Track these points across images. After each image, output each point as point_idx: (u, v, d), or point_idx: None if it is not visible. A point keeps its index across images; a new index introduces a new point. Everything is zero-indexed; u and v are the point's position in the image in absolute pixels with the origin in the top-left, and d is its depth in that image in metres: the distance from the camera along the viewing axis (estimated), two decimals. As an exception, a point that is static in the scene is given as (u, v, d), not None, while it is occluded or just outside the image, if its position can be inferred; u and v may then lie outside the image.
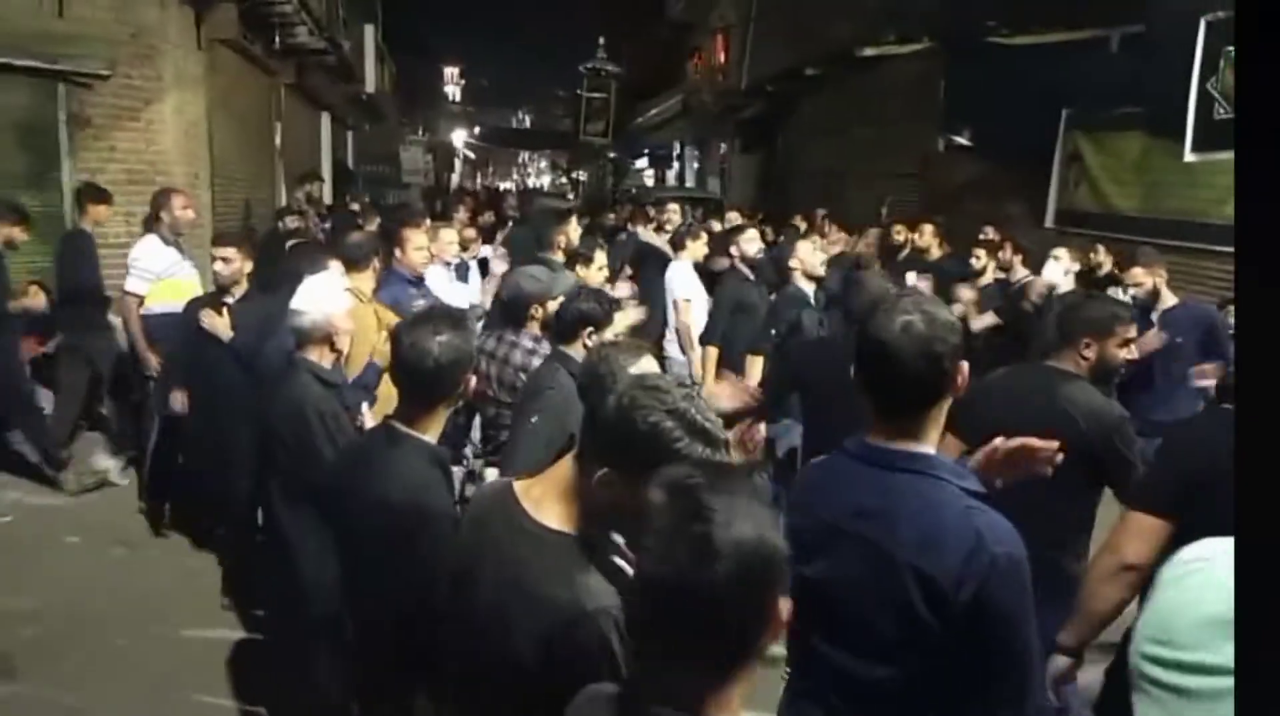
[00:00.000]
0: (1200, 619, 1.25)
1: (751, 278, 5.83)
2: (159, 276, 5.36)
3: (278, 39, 9.88)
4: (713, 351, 5.64)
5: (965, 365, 1.73)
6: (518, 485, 1.67)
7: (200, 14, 7.96)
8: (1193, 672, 1.24)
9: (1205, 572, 1.29)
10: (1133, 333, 3.01)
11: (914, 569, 1.61)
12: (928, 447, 1.73)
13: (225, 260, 4.53)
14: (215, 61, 8.50)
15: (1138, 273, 5.06)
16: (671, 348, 6.27)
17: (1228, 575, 1.23)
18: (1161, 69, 7.29)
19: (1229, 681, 1.18)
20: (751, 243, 6.01)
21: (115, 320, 5.90)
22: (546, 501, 1.60)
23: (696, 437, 1.48)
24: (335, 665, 2.63)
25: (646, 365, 2.33)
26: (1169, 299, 5.06)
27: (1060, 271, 5.84)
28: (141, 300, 5.37)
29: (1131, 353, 3.00)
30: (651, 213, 9.35)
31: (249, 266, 4.62)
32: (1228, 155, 6.88)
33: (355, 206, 9.22)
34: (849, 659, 1.72)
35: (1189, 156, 7.06)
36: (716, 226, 8.65)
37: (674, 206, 8.26)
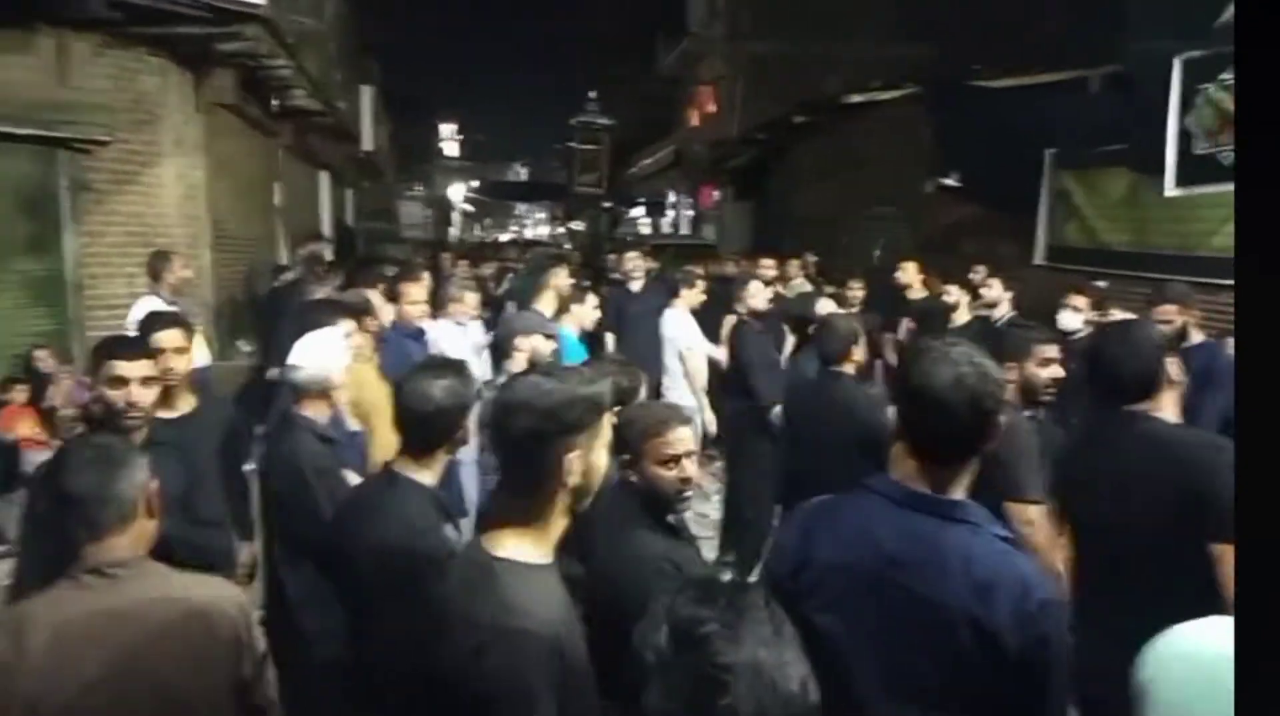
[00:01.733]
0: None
1: (761, 329, 5.86)
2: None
3: (276, 102, 10.06)
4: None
5: (1005, 418, 1.74)
6: (489, 532, 1.74)
7: (199, 79, 8.12)
8: None
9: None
10: (1051, 353, 3.15)
11: (968, 619, 1.60)
12: (960, 495, 1.73)
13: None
14: (214, 125, 8.65)
15: (1169, 309, 4.91)
16: (671, 395, 6.28)
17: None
18: (1141, 107, 7.43)
19: None
20: (756, 297, 5.98)
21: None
22: (504, 534, 1.67)
23: (556, 377, 1.66)
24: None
25: (675, 436, 2.34)
26: (1196, 337, 4.98)
27: (1079, 320, 5.73)
28: None
29: (1056, 372, 3.13)
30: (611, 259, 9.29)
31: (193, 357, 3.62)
32: (1209, 189, 6.99)
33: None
34: (890, 705, 1.68)
35: (1171, 191, 7.16)
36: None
37: (632, 254, 8.14)
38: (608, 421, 1.73)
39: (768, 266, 8.19)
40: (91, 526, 1.82)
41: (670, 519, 2.34)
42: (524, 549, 1.64)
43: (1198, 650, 1.29)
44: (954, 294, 6.55)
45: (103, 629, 1.77)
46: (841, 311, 5.27)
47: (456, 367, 2.36)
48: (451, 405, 2.26)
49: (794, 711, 1.05)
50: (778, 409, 4.97)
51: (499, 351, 4.02)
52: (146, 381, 2.84)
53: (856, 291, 7.56)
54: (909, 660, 1.65)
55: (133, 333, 5.26)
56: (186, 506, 2.86)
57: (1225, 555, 2.27)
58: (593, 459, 1.68)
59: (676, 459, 2.25)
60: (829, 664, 1.67)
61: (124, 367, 2.81)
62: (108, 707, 1.76)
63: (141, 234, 7.44)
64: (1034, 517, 2.75)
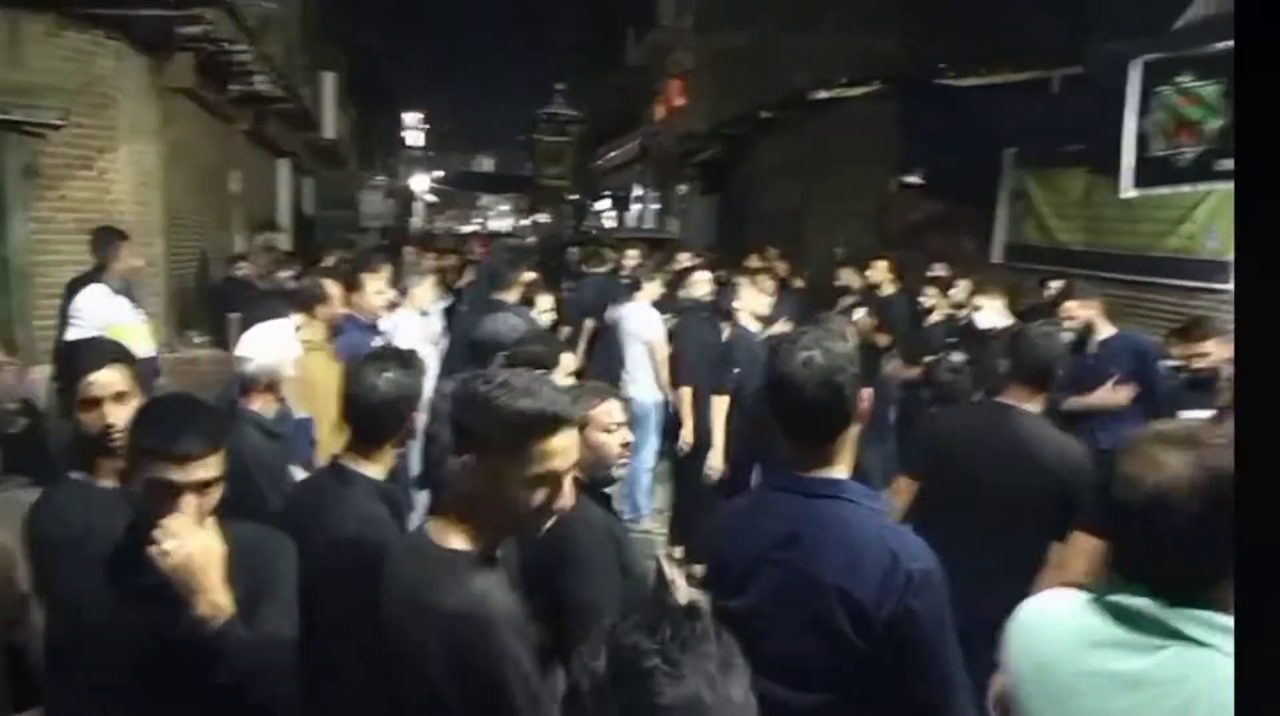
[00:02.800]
0: (1074, 644, 1.37)
1: (707, 315, 5.93)
2: (104, 326, 5.10)
3: (235, 87, 9.89)
4: (687, 392, 5.68)
5: (868, 392, 1.83)
6: (432, 520, 1.75)
7: (156, 63, 7.95)
8: (1078, 690, 1.35)
9: (1058, 610, 1.45)
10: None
11: (837, 589, 1.67)
12: (840, 473, 1.81)
13: None
14: (171, 110, 8.48)
15: (1072, 306, 5.12)
16: (633, 388, 6.26)
17: (1088, 604, 1.36)
18: (1100, 108, 7.53)
19: (1119, 690, 1.28)
20: (699, 285, 6.10)
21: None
22: (449, 526, 1.67)
23: (513, 392, 1.59)
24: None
25: (611, 407, 2.37)
26: (1106, 330, 5.15)
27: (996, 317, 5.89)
28: None
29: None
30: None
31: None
32: (1165, 190, 7.11)
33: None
34: (779, 688, 1.73)
35: (1128, 192, 7.28)
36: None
37: (633, 252, 8.25)
38: (557, 446, 1.62)
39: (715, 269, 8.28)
40: None
41: (605, 491, 2.45)
42: (468, 541, 1.65)
43: (1046, 617, 1.43)
44: (932, 297, 6.66)
45: None
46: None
47: (404, 359, 2.34)
48: (397, 397, 2.24)
49: None
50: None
51: (476, 354, 3.93)
52: (120, 397, 2.26)
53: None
54: (795, 638, 1.72)
55: (78, 319, 5.14)
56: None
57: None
58: (511, 477, 1.60)
59: (618, 426, 2.36)
60: (744, 648, 1.74)
61: (94, 383, 2.25)
62: None
63: (93, 220, 7.24)
64: (901, 487, 3.05)
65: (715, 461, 5.16)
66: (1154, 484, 1.25)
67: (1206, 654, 1.21)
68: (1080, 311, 5.08)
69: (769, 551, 1.78)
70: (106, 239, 5.44)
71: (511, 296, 5.71)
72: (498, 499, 1.60)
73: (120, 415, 2.20)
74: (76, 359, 2.38)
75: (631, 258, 8.49)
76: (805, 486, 1.80)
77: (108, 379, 2.27)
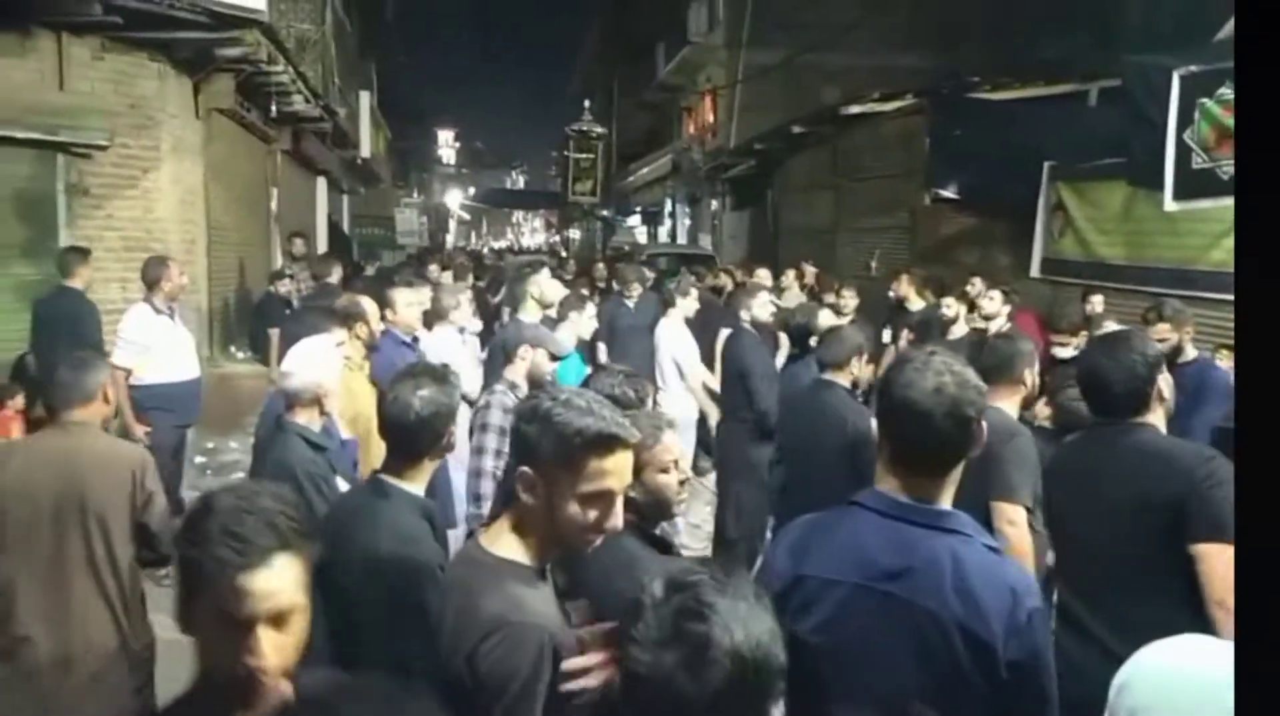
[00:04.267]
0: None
1: (760, 340, 5.86)
2: (148, 347, 5.36)
3: (274, 107, 10.07)
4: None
5: (986, 426, 1.75)
6: (485, 529, 1.78)
7: (198, 84, 8.13)
8: None
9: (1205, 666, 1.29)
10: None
11: (960, 627, 1.61)
12: (947, 504, 1.74)
13: None
14: (212, 130, 8.65)
15: (1163, 328, 4.93)
16: (665, 408, 6.23)
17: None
18: (1139, 121, 7.45)
19: None
20: (764, 307, 5.97)
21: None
22: (501, 536, 1.70)
23: (575, 411, 1.61)
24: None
25: (669, 444, 2.30)
26: (1190, 353, 5.01)
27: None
28: (129, 373, 5.33)
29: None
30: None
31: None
32: (1207, 204, 7.00)
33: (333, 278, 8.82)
34: None
35: (1169, 205, 7.17)
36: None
37: (635, 284, 8.08)
38: (611, 466, 1.64)
39: (763, 277, 8.21)
40: (65, 400, 2.96)
41: (657, 532, 2.36)
42: (518, 550, 1.68)
43: (1179, 670, 1.27)
44: (952, 307, 6.55)
45: (56, 456, 2.89)
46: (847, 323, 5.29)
47: (439, 375, 2.34)
48: (432, 414, 2.24)
49: (763, 656, 1.10)
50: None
51: (500, 356, 3.98)
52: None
53: (849, 300, 7.55)
54: (902, 672, 1.65)
55: (125, 341, 5.26)
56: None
57: (1206, 555, 2.30)
58: (564, 492, 1.62)
59: (676, 463, 2.28)
60: (822, 681, 1.70)
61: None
62: (53, 510, 2.82)
63: (138, 239, 7.42)
64: (1015, 519, 2.84)
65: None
66: None
67: None
68: (1170, 333, 4.92)
69: (873, 581, 1.69)
70: (154, 263, 5.69)
71: (531, 314, 5.56)
72: (550, 513, 1.62)
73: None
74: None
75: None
76: (916, 515, 1.71)
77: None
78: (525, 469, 1.65)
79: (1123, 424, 2.56)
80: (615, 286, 8.63)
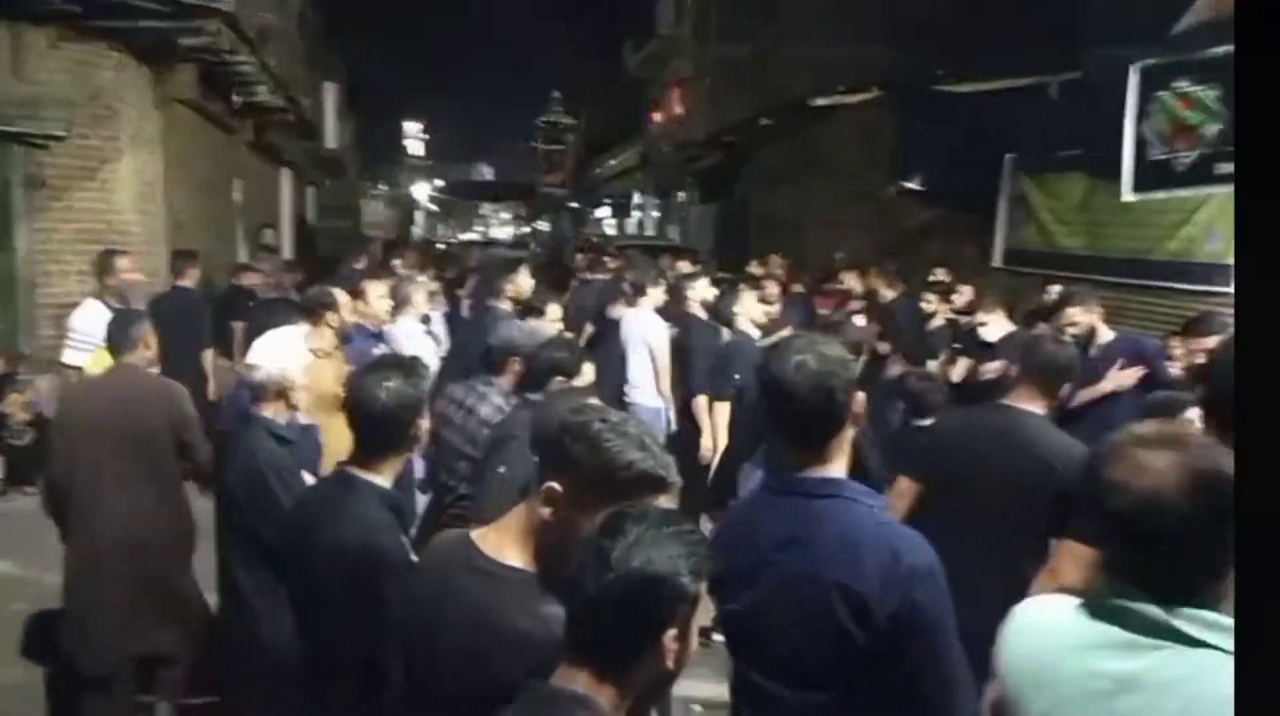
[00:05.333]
0: (1070, 648, 1.36)
1: (710, 321, 5.94)
2: (98, 344, 4.83)
3: (237, 98, 9.94)
4: (703, 400, 5.63)
5: (861, 397, 1.84)
6: (475, 533, 1.72)
7: (158, 74, 8.00)
8: (1077, 698, 1.34)
9: (1053, 615, 1.44)
10: None
11: (838, 585, 1.68)
12: (837, 472, 1.83)
13: None
14: (173, 121, 8.52)
15: (1074, 312, 5.10)
16: (635, 394, 6.27)
17: (1083, 607, 1.35)
18: (1099, 114, 7.57)
19: (1116, 692, 1.27)
20: (709, 290, 6.13)
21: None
22: (505, 543, 1.66)
23: (628, 441, 1.59)
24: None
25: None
26: (1106, 334, 5.16)
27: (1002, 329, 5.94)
28: (80, 371, 5.00)
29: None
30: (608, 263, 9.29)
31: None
32: (1164, 194, 7.14)
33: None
34: (783, 689, 1.77)
35: (1127, 196, 7.31)
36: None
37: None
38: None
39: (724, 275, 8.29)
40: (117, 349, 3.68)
41: None
42: (527, 560, 1.64)
43: (1041, 622, 1.43)
44: (931, 302, 6.69)
45: (115, 390, 3.63)
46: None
47: (407, 368, 2.31)
48: (399, 406, 2.22)
49: (654, 576, 1.24)
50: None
51: (487, 360, 3.92)
52: None
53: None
54: (797, 636, 1.74)
55: (75, 336, 5.04)
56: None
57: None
58: (591, 516, 1.55)
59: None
60: (742, 652, 1.85)
61: None
62: (117, 432, 3.52)
63: (97, 231, 7.31)
64: (902, 490, 3.03)
65: (707, 444, 5.36)
66: (1142, 487, 1.25)
67: (1206, 653, 1.21)
68: (1082, 317, 5.09)
69: (769, 553, 1.80)
70: (103, 256, 5.46)
71: (507, 304, 5.68)
72: (568, 531, 1.56)
73: None
74: None
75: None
76: (803, 487, 1.82)
77: None
78: (554, 485, 1.60)
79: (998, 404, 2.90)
80: (585, 275, 8.69)
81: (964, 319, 6.60)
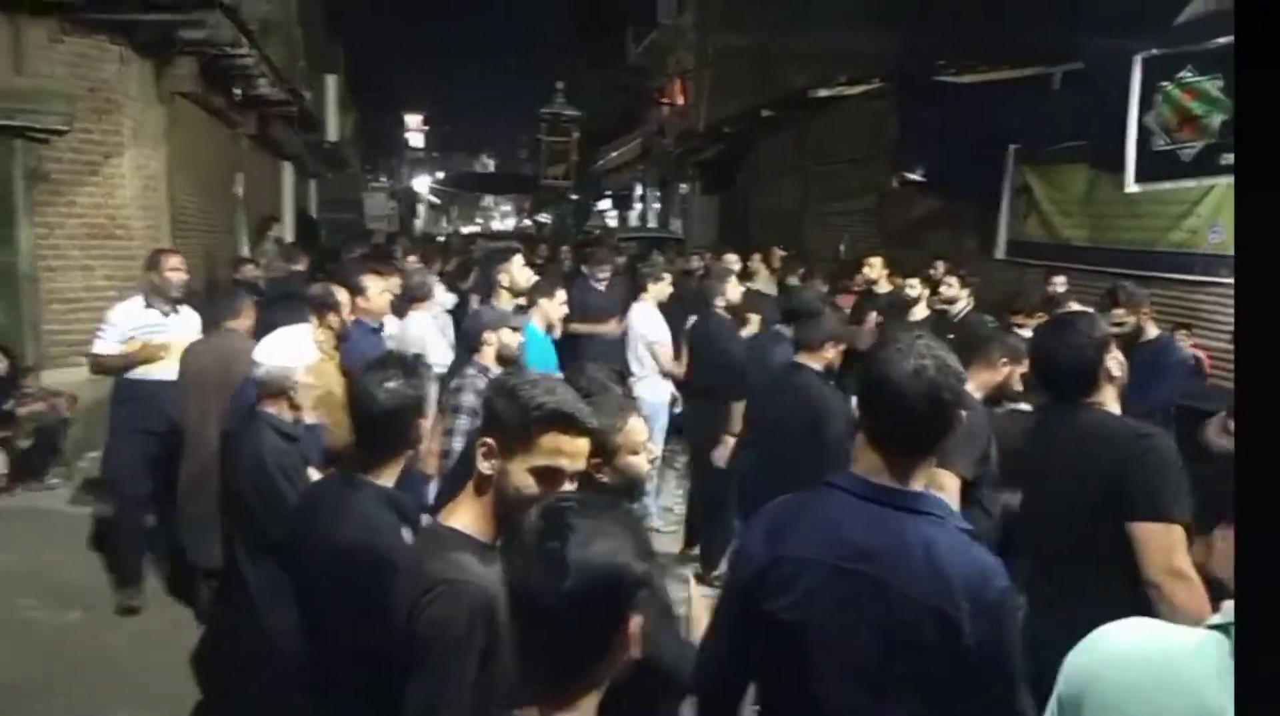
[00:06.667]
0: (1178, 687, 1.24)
1: (731, 324, 5.89)
2: (127, 336, 4.97)
3: (239, 91, 9.92)
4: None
5: (964, 413, 1.77)
6: (447, 505, 1.89)
7: (160, 68, 7.99)
8: None
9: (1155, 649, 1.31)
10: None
11: (928, 606, 1.63)
12: (918, 486, 1.76)
13: None
14: (175, 114, 8.52)
15: (1119, 313, 5.04)
16: (640, 387, 6.27)
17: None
18: (1102, 104, 7.54)
19: None
20: (736, 290, 6.00)
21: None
22: (458, 510, 1.82)
23: (540, 389, 1.74)
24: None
25: (637, 425, 2.32)
26: (1151, 332, 5.12)
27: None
28: (103, 360, 5.02)
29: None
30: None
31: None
32: (1168, 185, 7.12)
33: (300, 266, 8.88)
34: (857, 700, 1.70)
35: (1131, 187, 7.29)
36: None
37: (605, 268, 8.00)
38: (565, 446, 1.77)
39: (732, 261, 8.21)
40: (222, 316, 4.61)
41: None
42: (470, 523, 1.79)
43: (1128, 653, 1.31)
44: (916, 288, 6.63)
45: (216, 348, 4.46)
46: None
47: (408, 367, 2.30)
48: (399, 407, 2.21)
49: (611, 568, 1.22)
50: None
51: (467, 345, 4.01)
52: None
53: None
54: (874, 651, 1.67)
55: (105, 329, 5.01)
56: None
57: (1140, 533, 2.39)
58: (516, 463, 1.76)
59: (645, 443, 2.32)
60: (798, 659, 1.74)
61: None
62: (216, 382, 4.21)
63: (100, 226, 7.31)
64: (945, 484, 2.87)
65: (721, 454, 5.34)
66: None
67: None
68: (1129, 317, 5.02)
69: (845, 560, 1.71)
70: (151, 256, 5.38)
71: (505, 297, 5.61)
72: (502, 481, 1.74)
73: None
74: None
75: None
76: (887, 497, 1.72)
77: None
78: (487, 438, 1.77)
79: (1072, 404, 2.65)
80: (584, 269, 8.62)
81: (954, 308, 6.53)
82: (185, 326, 5.12)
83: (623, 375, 2.82)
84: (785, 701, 1.82)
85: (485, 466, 1.76)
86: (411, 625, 1.64)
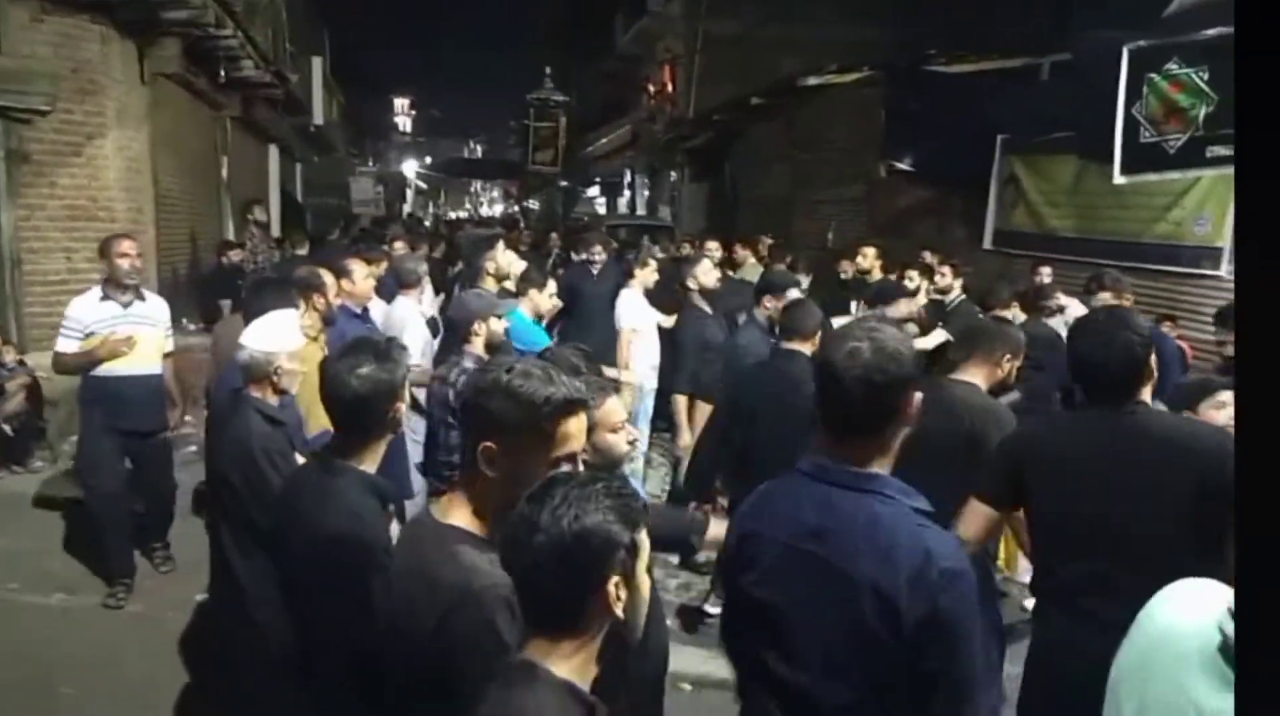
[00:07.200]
0: (1178, 658, 1.28)
1: (710, 312, 5.88)
2: (86, 332, 4.66)
3: (223, 73, 9.83)
4: (683, 400, 5.62)
5: (918, 396, 1.77)
6: (436, 502, 1.82)
7: (143, 49, 7.91)
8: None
9: (1186, 613, 1.34)
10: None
11: (869, 584, 1.65)
12: (877, 468, 1.77)
13: None
14: (159, 96, 8.44)
15: (1106, 297, 5.15)
16: (622, 376, 6.28)
17: (1212, 620, 1.25)
18: (1090, 96, 7.56)
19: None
20: (708, 273, 5.97)
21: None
22: (455, 507, 1.75)
23: (536, 380, 1.68)
24: (298, 705, 2.60)
25: (615, 406, 2.33)
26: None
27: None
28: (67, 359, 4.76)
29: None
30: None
31: None
32: (1154, 177, 7.15)
33: (303, 250, 8.93)
34: (805, 678, 1.74)
35: (1118, 179, 7.31)
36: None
37: (598, 247, 8.05)
38: (575, 428, 1.75)
39: (711, 248, 8.20)
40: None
41: None
42: (471, 521, 1.73)
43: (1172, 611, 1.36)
44: (914, 279, 6.68)
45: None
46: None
47: (381, 352, 2.26)
48: (372, 392, 2.19)
49: (583, 533, 1.29)
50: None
51: (455, 333, 3.98)
52: None
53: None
54: (821, 629, 1.72)
55: (66, 325, 4.67)
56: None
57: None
58: (535, 459, 1.69)
59: (623, 423, 2.34)
60: (759, 632, 1.82)
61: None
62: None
63: (83, 208, 7.25)
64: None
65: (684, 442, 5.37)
66: None
67: None
68: (1114, 302, 5.03)
69: (797, 540, 1.76)
70: (104, 243, 5.03)
71: (488, 283, 5.57)
72: (513, 482, 1.63)
73: None
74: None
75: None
76: (840, 477, 1.77)
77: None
78: (488, 443, 1.68)
79: (1127, 405, 2.43)
80: (575, 256, 8.61)
81: (948, 297, 6.60)
82: (151, 316, 4.84)
83: (588, 355, 2.80)
84: (751, 672, 1.90)
85: (488, 471, 1.68)
86: (441, 640, 1.59)
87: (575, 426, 1.73)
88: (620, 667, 1.45)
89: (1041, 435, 2.71)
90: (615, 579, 1.31)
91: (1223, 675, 1.20)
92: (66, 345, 4.70)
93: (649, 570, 1.43)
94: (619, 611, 1.32)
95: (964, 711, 1.68)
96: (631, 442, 2.40)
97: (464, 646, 1.56)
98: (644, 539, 1.36)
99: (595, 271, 7.63)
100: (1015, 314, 5.70)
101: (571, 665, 1.32)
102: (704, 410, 5.30)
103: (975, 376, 3.36)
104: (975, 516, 2.57)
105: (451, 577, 1.60)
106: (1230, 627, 1.20)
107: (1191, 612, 1.31)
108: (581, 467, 1.75)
